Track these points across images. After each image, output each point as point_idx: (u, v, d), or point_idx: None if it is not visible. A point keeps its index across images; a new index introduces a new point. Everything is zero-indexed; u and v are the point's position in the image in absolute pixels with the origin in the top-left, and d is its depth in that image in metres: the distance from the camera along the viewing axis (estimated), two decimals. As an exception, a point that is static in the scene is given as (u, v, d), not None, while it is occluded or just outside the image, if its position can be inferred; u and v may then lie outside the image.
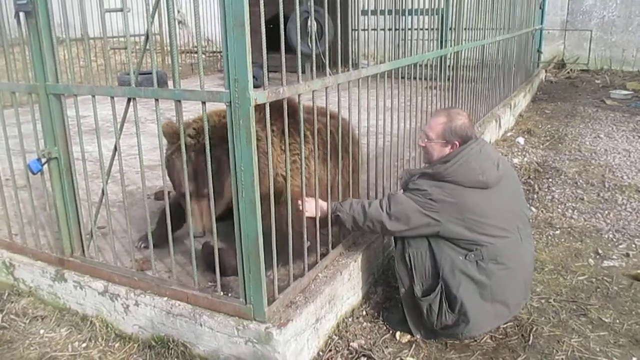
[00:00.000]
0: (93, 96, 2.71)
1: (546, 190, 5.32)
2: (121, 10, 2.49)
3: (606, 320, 3.11)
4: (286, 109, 2.48)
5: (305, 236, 2.77)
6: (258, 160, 2.29)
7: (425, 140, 2.93)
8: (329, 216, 2.96)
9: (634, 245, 4.08)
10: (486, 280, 2.71)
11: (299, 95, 2.53)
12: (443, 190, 2.71)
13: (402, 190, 3.00)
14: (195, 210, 2.72)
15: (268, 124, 2.35)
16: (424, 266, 2.80)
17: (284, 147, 2.64)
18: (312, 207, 2.88)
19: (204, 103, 2.36)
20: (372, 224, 2.83)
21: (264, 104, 2.27)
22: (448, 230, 2.71)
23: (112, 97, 2.64)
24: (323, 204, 2.94)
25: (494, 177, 2.76)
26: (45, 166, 2.90)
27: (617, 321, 3.10)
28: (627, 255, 3.92)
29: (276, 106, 2.45)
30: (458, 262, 2.72)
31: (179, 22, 14.45)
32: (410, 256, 2.81)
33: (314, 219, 2.87)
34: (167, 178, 2.83)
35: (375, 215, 2.79)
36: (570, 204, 4.95)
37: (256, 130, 2.25)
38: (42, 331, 3.00)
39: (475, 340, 2.91)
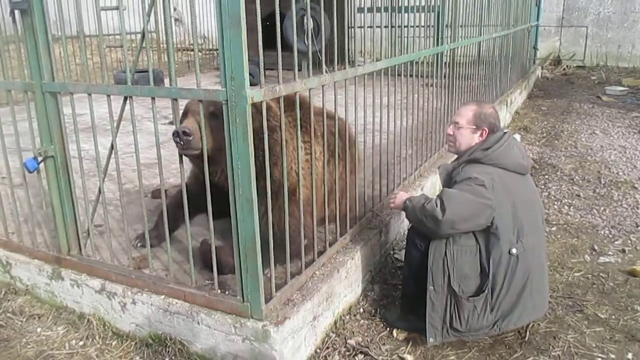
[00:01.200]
0: (89, 94, 2.70)
1: (542, 186, 5.34)
2: (117, 8, 2.48)
3: (602, 316, 3.12)
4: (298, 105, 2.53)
5: (302, 234, 2.78)
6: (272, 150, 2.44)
7: (454, 127, 2.94)
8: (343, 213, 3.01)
9: (629, 242, 4.10)
10: (529, 271, 2.72)
11: (295, 94, 2.53)
12: (491, 176, 2.70)
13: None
14: (196, 125, 2.67)
15: (265, 122, 2.35)
16: (465, 266, 2.72)
17: (297, 143, 2.66)
18: (401, 198, 2.93)
19: (200, 101, 2.36)
20: (426, 219, 2.72)
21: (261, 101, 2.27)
22: (499, 216, 2.67)
23: (109, 96, 2.64)
24: (403, 195, 2.96)
25: (530, 164, 2.88)
26: (42, 164, 2.89)
27: (613, 317, 3.12)
28: (623, 251, 3.94)
29: (291, 101, 2.52)
30: (505, 257, 2.69)
31: (176, 19, 14.41)
32: (454, 254, 2.72)
33: (312, 217, 2.87)
34: (171, 173, 2.82)
35: (430, 210, 2.69)
36: (566, 200, 4.97)
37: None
38: (39, 329, 2.99)
39: (472, 337, 2.92)
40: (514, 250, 2.68)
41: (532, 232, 2.77)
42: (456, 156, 3.01)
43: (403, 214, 3.55)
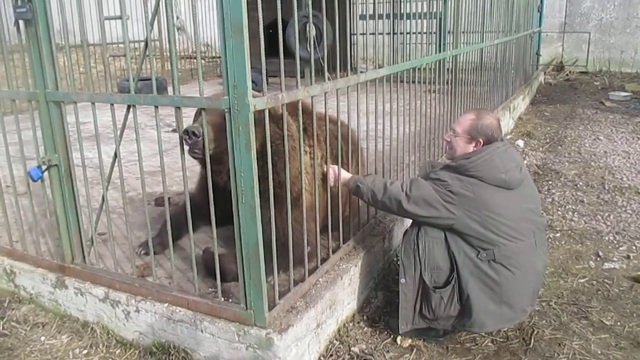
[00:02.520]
0: (93, 103, 2.72)
1: (546, 192, 5.32)
2: (120, 17, 2.49)
3: (607, 323, 3.11)
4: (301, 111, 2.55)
5: (306, 241, 2.78)
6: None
7: (452, 134, 2.95)
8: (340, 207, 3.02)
9: (634, 247, 4.08)
10: (495, 281, 2.69)
11: (298, 101, 2.54)
12: (463, 184, 2.70)
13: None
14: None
15: (268, 129, 2.35)
16: (437, 256, 2.75)
17: (300, 149, 2.66)
18: (334, 174, 2.99)
19: (203, 109, 2.37)
20: (389, 201, 2.82)
21: (263, 110, 2.28)
22: (463, 224, 2.69)
23: (112, 104, 2.65)
24: (346, 174, 3.02)
25: (516, 179, 2.76)
26: (46, 173, 2.91)
27: (618, 324, 3.10)
28: (628, 257, 3.92)
29: (294, 108, 2.57)
30: (470, 258, 2.71)
31: (178, 28, 14.49)
32: (426, 245, 2.77)
33: (315, 224, 2.88)
34: (167, 185, 2.83)
35: (394, 193, 2.79)
36: (570, 206, 4.95)
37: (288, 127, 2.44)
38: (42, 338, 2.99)
39: (476, 344, 2.91)
40: (483, 257, 2.70)
41: (511, 246, 2.71)
42: None
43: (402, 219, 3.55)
